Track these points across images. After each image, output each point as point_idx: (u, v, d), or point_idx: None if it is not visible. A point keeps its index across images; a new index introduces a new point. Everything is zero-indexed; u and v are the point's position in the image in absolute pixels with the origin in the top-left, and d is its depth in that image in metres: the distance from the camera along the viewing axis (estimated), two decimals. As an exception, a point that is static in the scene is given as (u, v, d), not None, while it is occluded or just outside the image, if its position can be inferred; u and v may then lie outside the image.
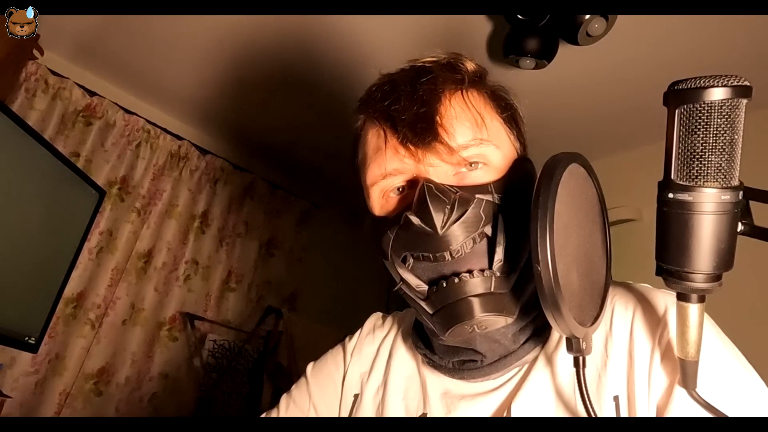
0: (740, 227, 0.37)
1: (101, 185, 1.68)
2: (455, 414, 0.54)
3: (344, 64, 1.78)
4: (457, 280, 0.48)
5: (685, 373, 0.40)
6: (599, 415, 0.44)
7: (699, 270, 0.37)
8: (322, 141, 2.28)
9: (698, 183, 0.36)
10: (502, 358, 0.53)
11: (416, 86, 0.52)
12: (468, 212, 0.48)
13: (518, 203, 0.50)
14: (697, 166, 0.36)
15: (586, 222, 0.45)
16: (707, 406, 0.39)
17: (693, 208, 0.36)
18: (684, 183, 0.36)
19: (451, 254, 0.48)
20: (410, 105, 0.51)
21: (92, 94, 2.02)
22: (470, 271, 0.49)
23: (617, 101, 1.84)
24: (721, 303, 0.68)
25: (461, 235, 0.48)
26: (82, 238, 1.47)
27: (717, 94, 0.34)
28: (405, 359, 0.63)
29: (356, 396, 0.63)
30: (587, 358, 0.43)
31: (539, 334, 0.53)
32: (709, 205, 0.36)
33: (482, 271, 0.49)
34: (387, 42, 1.66)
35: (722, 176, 0.36)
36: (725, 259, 0.37)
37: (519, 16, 1.35)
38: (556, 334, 0.53)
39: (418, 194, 0.48)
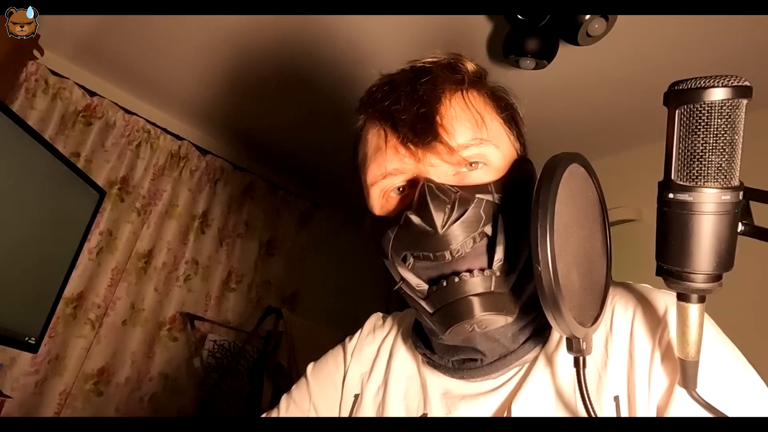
0: (740, 227, 0.37)
1: (101, 185, 1.68)
2: (455, 414, 0.54)
3: (344, 64, 1.78)
4: (457, 279, 0.48)
5: (686, 373, 0.40)
6: (599, 415, 0.44)
7: (699, 270, 0.37)
8: (322, 141, 2.28)
9: (698, 183, 0.36)
10: (502, 358, 0.53)
11: (416, 86, 0.53)
12: (468, 212, 0.48)
13: (518, 203, 0.50)
14: (697, 166, 0.36)
15: (586, 222, 0.45)
16: (707, 406, 0.39)
17: (693, 208, 0.36)
18: (684, 183, 0.36)
19: (451, 254, 0.48)
20: (410, 105, 0.52)
21: (92, 94, 2.02)
22: (470, 271, 0.49)
23: (617, 101, 1.83)
24: (721, 303, 0.68)
25: (461, 235, 0.48)
26: (82, 238, 1.47)
27: (717, 94, 0.34)
28: (405, 359, 0.63)
29: (356, 396, 0.63)
30: (587, 358, 0.43)
31: (539, 333, 0.54)
32: (709, 205, 0.36)
33: (482, 270, 0.49)
34: (387, 42, 1.66)
35: (722, 176, 0.36)
36: (725, 260, 0.37)
37: (519, 16, 1.35)
38: (556, 334, 0.53)
39: (418, 194, 0.48)
